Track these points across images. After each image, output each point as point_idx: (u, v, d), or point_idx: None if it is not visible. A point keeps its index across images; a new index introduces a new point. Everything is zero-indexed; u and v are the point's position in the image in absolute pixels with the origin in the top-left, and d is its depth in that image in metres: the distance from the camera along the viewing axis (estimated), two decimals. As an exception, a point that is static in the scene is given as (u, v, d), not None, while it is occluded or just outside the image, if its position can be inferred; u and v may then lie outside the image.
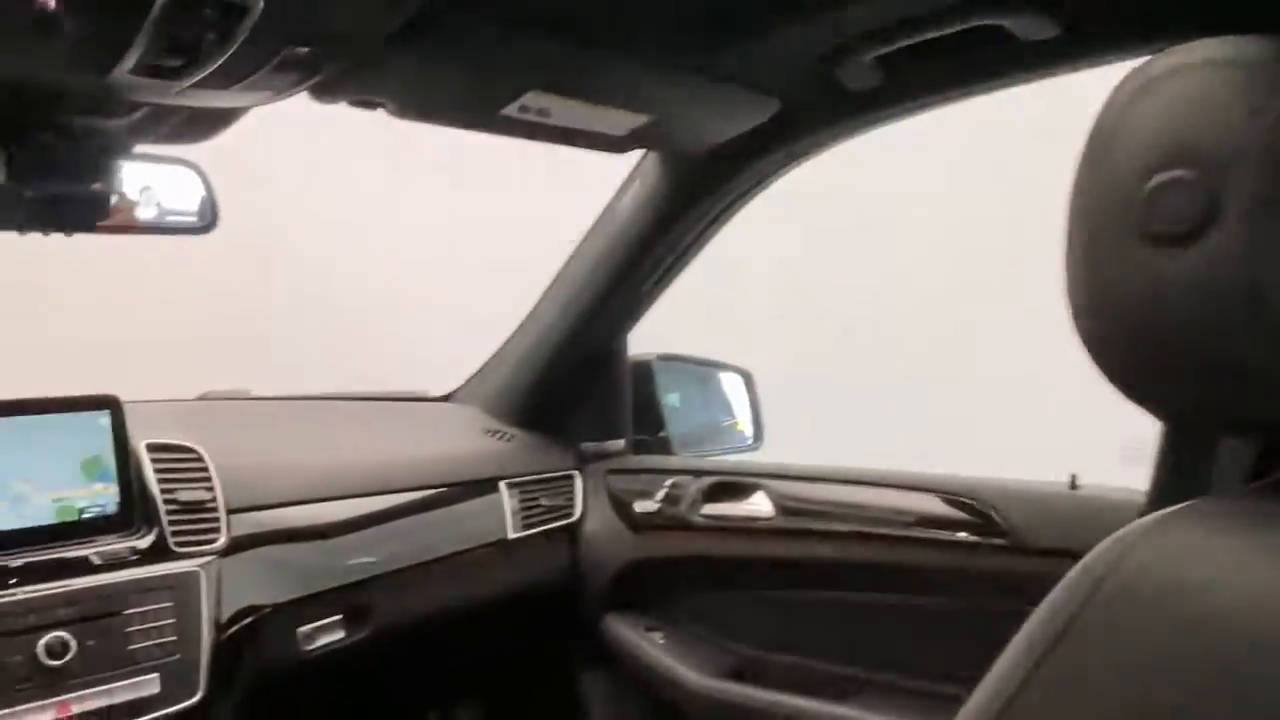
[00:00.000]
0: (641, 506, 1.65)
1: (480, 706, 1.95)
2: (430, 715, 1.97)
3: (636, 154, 1.45)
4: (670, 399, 1.90)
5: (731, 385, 2.03)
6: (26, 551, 1.07)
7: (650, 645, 1.61)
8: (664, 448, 1.82)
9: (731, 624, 1.61)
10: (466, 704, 1.95)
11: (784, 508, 1.49)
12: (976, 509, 1.34)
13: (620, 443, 1.77)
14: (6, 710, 0.99)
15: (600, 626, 1.68)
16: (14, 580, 1.05)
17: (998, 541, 1.30)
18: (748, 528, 1.53)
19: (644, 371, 1.83)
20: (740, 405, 2.02)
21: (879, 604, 1.44)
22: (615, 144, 1.28)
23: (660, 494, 1.63)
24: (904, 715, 1.35)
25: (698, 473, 1.62)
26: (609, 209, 1.56)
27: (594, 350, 1.70)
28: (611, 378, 1.76)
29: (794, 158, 1.42)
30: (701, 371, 2.02)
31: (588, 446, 1.77)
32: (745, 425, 2.00)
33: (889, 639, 1.46)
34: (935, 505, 1.38)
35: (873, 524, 1.42)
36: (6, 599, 1.03)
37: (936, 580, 1.38)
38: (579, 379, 1.73)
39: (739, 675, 1.55)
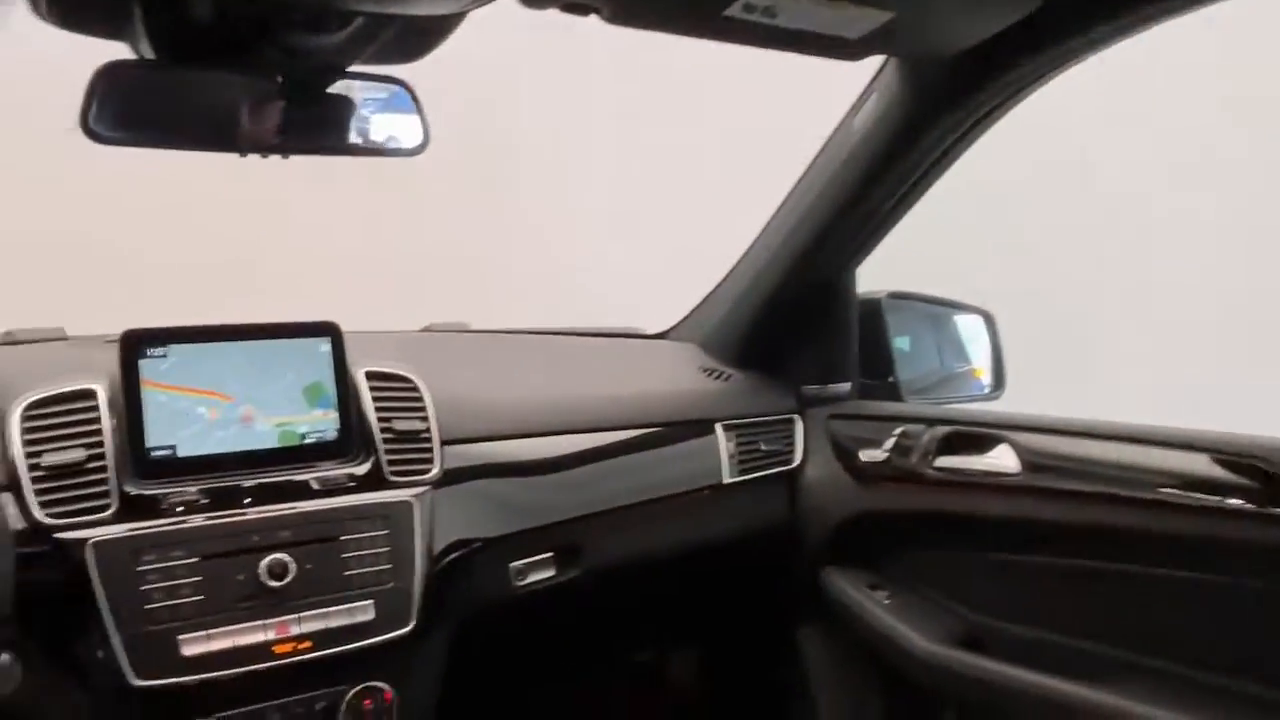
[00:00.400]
0: (867, 455, 1.53)
1: (690, 652, 1.91)
2: (638, 658, 1.95)
3: (872, 63, 1.30)
4: (900, 341, 1.75)
5: (969, 327, 1.86)
6: (253, 473, 1.09)
7: (873, 604, 1.49)
8: (892, 394, 1.68)
9: (964, 588, 1.47)
10: (676, 649, 1.91)
11: (1031, 463, 1.33)
12: (1262, 472, 1.13)
13: (845, 386, 1.64)
14: (231, 627, 1.01)
15: (819, 580, 1.59)
16: (245, 500, 1.07)
17: None
18: (988, 483, 1.37)
19: (873, 310, 1.69)
20: (979, 349, 1.84)
21: (1138, 576, 1.26)
22: (850, 49, 1.14)
23: (888, 442, 1.50)
24: (1162, 705, 1.18)
25: (931, 421, 1.47)
26: (841, 128, 1.42)
27: (819, 286, 1.58)
28: (837, 316, 1.63)
29: (1054, 64, 1.23)
30: (936, 312, 1.86)
31: (809, 389, 1.65)
32: (984, 371, 1.83)
33: (1147, 617, 1.28)
34: (1209, 467, 1.18)
35: (1134, 486, 1.23)
36: (236, 518, 1.05)
37: (1209, 553, 1.19)
38: (802, 317, 1.62)
39: (971, 644, 1.42)
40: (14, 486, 0.97)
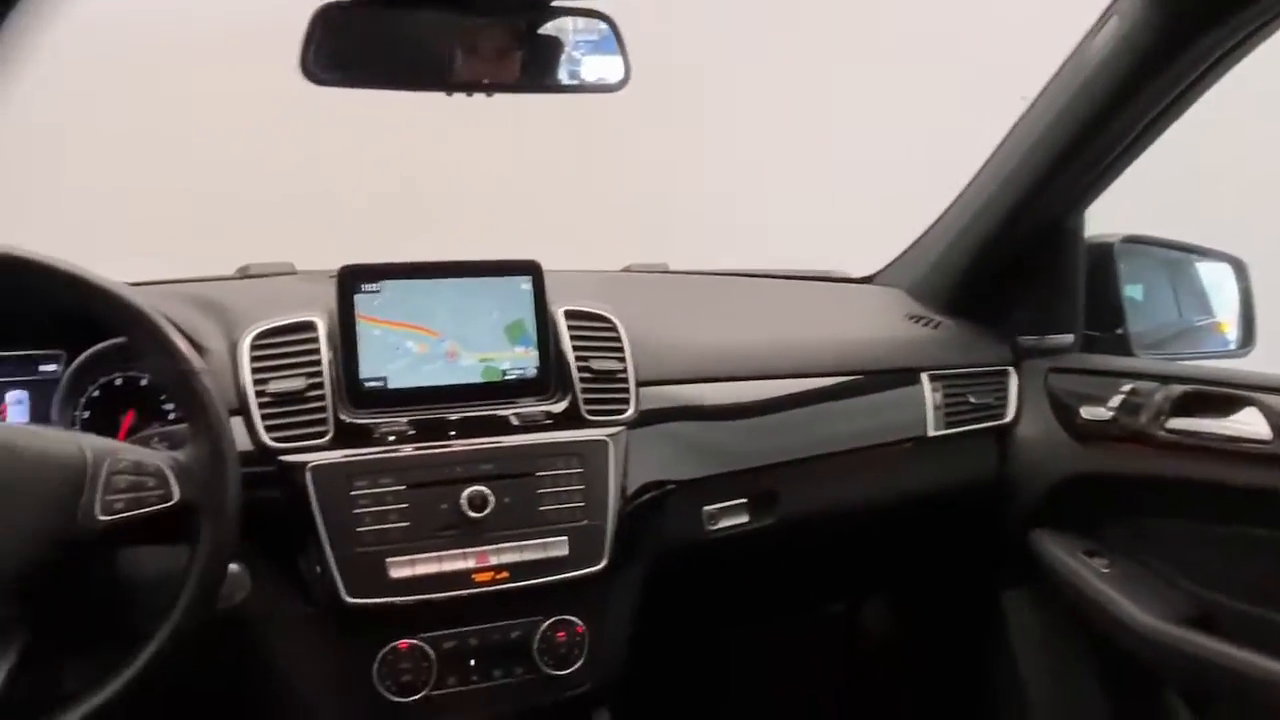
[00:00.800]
0: (1090, 413, 1.41)
1: (885, 608, 1.85)
2: (830, 609, 1.92)
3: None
4: (1132, 290, 1.60)
5: (1214, 276, 1.68)
6: (457, 407, 1.12)
7: (1089, 572, 1.39)
8: (1120, 347, 1.54)
9: (1194, 561, 1.34)
10: (870, 604, 1.87)
11: (1285, 430, 1.19)
12: None
13: (1068, 338, 1.52)
14: (434, 553, 1.05)
15: (1028, 542, 1.49)
16: (450, 433, 1.10)
17: None
18: (1231, 450, 1.24)
19: (1103, 256, 1.54)
20: (1224, 301, 1.66)
21: None
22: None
23: (1115, 400, 1.38)
24: None
25: (1166, 378, 1.34)
26: (1075, 54, 1.29)
27: (1043, 229, 1.46)
28: (1062, 262, 1.50)
29: None
30: (1176, 258, 1.69)
31: (1026, 340, 1.54)
32: (1230, 325, 1.65)
33: None
34: None
35: None
36: (441, 450, 1.09)
37: None
38: (1022, 262, 1.50)
39: (1201, 623, 1.30)
40: (243, 411, 1.04)
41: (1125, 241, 1.56)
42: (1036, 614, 1.54)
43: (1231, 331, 1.65)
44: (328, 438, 1.06)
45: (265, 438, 1.04)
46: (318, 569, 1.02)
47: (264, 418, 1.04)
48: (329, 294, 1.11)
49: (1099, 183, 1.39)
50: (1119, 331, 1.55)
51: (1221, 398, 1.27)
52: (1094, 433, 1.41)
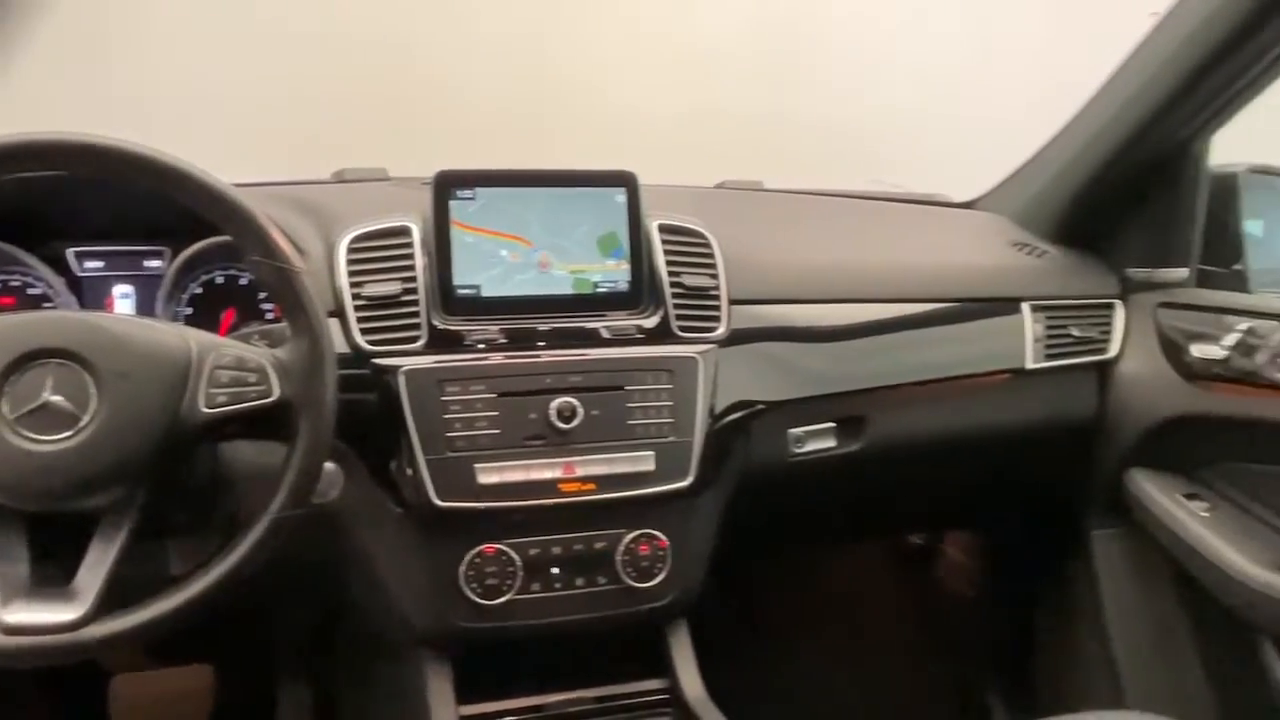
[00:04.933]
0: (1200, 351, 1.35)
1: (968, 541, 1.83)
2: (913, 540, 1.90)
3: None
4: (1253, 225, 1.51)
5: (1348, 211, 1.58)
6: (548, 318, 1.12)
7: (1188, 515, 1.35)
8: (1238, 284, 1.46)
9: None
10: (955, 536, 1.84)
11: None
12: None
13: (1181, 272, 1.45)
14: (522, 461, 1.06)
15: (1124, 482, 1.45)
16: (540, 343, 1.10)
17: None
18: None
19: (1226, 187, 1.46)
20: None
21: None
22: None
23: (1229, 339, 1.32)
24: None
25: None
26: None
27: (1164, 155, 1.38)
28: (1180, 191, 1.42)
29: None
30: (1306, 192, 1.59)
31: (1136, 273, 1.47)
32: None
33: None
34: None
35: None
36: (531, 359, 1.09)
37: None
38: (1137, 190, 1.43)
39: None
40: (340, 313, 1.06)
41: (1254, 171, 1.47)
42: (1128, 555, 1.50)
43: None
44: (421, 343, 1.06)
45: (360, 340, 1.05)
46: (409, 471, 1.04)
47: (359, 320, 1.06)
48: (424, 200, 1.11)
49: (1229, 107, 1.30)
50: (1237, 267, 1.47)
51: None
52: (1203, 372, 1.35)
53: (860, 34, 2.58)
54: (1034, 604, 1.69)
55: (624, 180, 1.15)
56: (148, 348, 0.85)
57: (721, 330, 1.17)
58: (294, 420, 0.90)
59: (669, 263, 1.17)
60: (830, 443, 1.30)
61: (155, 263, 1.16)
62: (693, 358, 1.14)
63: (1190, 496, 1.38)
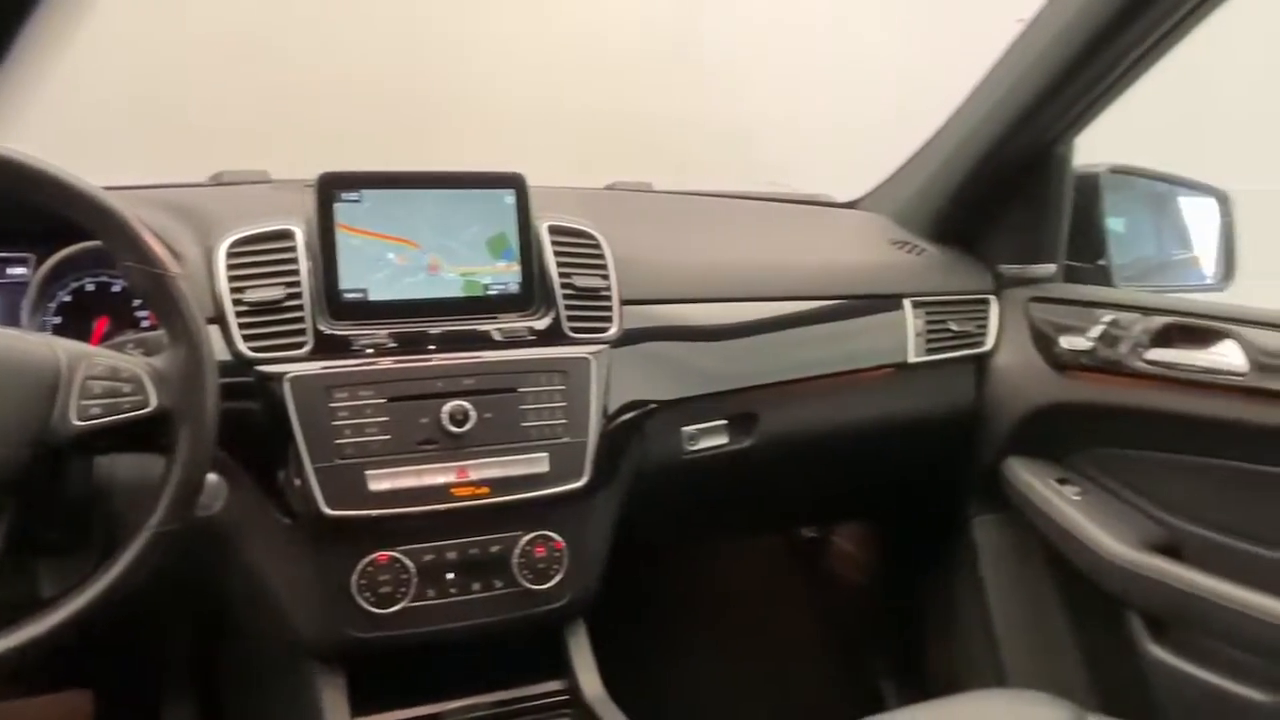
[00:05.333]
0: (1069, 342, 1.42)
1: (858, 531, 1.88)
2: (805, 533, 1.94)
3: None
4: (1114, 222, 1.60)
5: (1197, 209, 1.68)
6: (438, 321, 1.11)
7: (1060, 499, 1.42)
8: (1102, 278, 1.54)
9: (1167, 492, 1.36)
10: (844, 527, 1.89)
11: (1262, 363, 1.20)
12: None
13: (1050, 268, 1.52)
14: (415, 467, 1.05)
15: (1001, 469, 1.51)
16: (431, 346, 1.09)
17: None
18: (1208, 382, 1.25)
19: (1089, 186, 1.54)
20: (1205, 234, 1.67)
21: None
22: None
23: (1095, 330, 1.39)
24: None
25: (1147, 309, 1.35)
26: (1075, -24, 1.27)
27: (1032, 156, 1.45)
28: (1047, 191, 1.49)
29: None
30: (1160, 190, 1.69)
31: (1008, 269, 1.54)
32: (1207, 259, 1.66)
33: None
34: None
35: None
36: (421, 363, 1.08)
37: None
38: (1008, 190, 1.49)
39: (1170, 552, 1.32)
40: (220, 319, 1.02)
41: (1113, 172, 1.56)
42: (1007, 540, 1.56)
43: (1208, 265, 1.66)
44: (307, 348, 1.04)
45: (243, 347, 1.02)
46: (296, 481, 1.02)
47: (241, 327, 1.02)
48: (306, 203, 1.08)
49: (1091, 110, 1.37)
50: (1101, 263, 1.55)
51: (1200, 330, 1.28)
52: (1072, 362, 1.42)
53: (747, 37, 2.63)
54: (921, 590, 1.75)
55: (513, 182, 1.15)
56: (11, 359, 0.81)
57: (613, 331, 1.18)
58: (173, 431, 0.87)
59: (559, 264, 1.17)
60: (723, 440, 1.32)
61: (19, 270, 1.10)
62: (585, 358, 1.14)
63: (1062, 482, 1.45)
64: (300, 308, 1.05)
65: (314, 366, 1.03)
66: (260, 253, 1.06)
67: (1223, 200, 1.63)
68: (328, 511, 1.01)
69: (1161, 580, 1.27)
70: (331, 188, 1.07)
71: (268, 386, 1.01)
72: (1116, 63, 1.29)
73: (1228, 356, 1.24)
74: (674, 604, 1.85)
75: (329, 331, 1.05)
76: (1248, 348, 1.22)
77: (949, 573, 1.65)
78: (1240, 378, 1.22)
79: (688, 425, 1.28)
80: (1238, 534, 1.28)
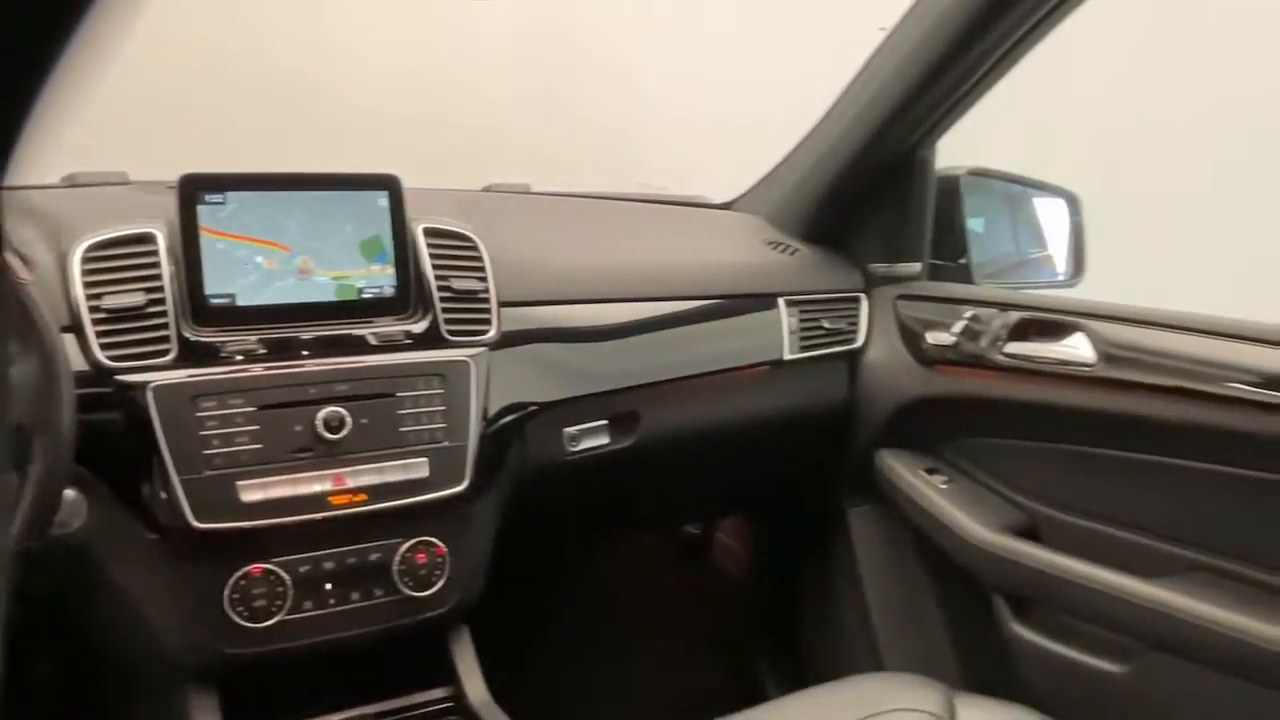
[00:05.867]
0: (934, 338, 1.48)
1: (739, 526, 1.92)
2: (688, 530, 1.97)
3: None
4: (974, 222, 1.68)
5: (1049, 210, 1.78)
6: (311, 326, 1.08)
7: (928, 488, 1.48)
8: (964, 276, 1.62)
9: (1026, 478, 1.44)
10: (726, 522, 1.93)
11: (1108, 354, 1.28)
12: None
13: (915, 266, 1.58)
14: (288, 476, 1.02)
15: (874, 461, 1.57)
16: (304, 352, 1.07)
17: None
18: (1060, 373, 1.33)
19: (950, 188, 1.61)
20: (1057, 233, 1.76)
21: (1209, 474, 1.22)
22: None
23: (957, 326, 1.45)
24: (1233, 608, 1.16)
25: (1004, 305, 1.42)
26: (931, -11, 1.32)
27: (896, 159, 1.51)
28: (912, 193, 1.56)
29: None
30: (1015, 192, 1.78)
31: (877, 268, 1.60)
32: (1059, 257, 1.76)
33: (1214, 516, 1.24)
34: None
35: (1214, 381, 1.18)
36: (293, 369, 1.05)
37: None
38: (875, 192, 1.55)
39: (1029, 534, 1.40)
40: (76, 328, 0.98)
41: (972, 174, 1.63)
42: (881, 529, 1.62)
43: (1060, 263, 1.75)
44: (170, 356, 1.00)
45: (101, 356, 0.98)
46: (162, 494, 0.98)
47: (99, 335, 0.98)
48: (168, 205, 1.04)
49: (951, 115, 1.44)
50: (962, 261, 1.62)
51: (1053, 324, 1.36)
52: (937, 357, 1.49)
53: (624, 39, 2.64)
54: (800, 581, 1.79)
55: (386, 183, 1.13)
56: None
57: (492, 333, 1.17)
58: (26, 446, 0.83)
59: (436, 267, 1.15)
60: (604, 440, 1.33)
61: None
62: (464, 362, 1.13)
63: (930, 471, 1.51)
64: (163, 314, 1.01)
65: (179, 375, 1.00)
66: (119, 257, 1.01)
67: (1072, 201, 1.73)
68: (196, 524, 0.98)
69: (1021, 561, 1.34)
70: (194, 189, 1.04)
71: (129, 397, 0.97)
72: (973, 70, 1.35)
73: (1078, 349, 1.31)
74: (559, 605, 1.85)
75: (194, 338, 1.02)
76: (1095, 340, 1.30)
77: (826, 563, 1.70)
78: (1089, 368, 1.29)
79: (569, 426, 1.29)
80: (1090, 515, 1.36)
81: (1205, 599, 1.18)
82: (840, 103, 1.51)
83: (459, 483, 1.11)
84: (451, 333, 1.14)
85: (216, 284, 1.04)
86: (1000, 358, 1.39)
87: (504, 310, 1.19)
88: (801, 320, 1.50)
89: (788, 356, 1.48)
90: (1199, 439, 1.21)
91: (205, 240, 1.04)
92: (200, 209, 1.03)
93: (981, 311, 1.44)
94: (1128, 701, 1.27)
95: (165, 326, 1.00)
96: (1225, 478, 1.21)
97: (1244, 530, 1.22)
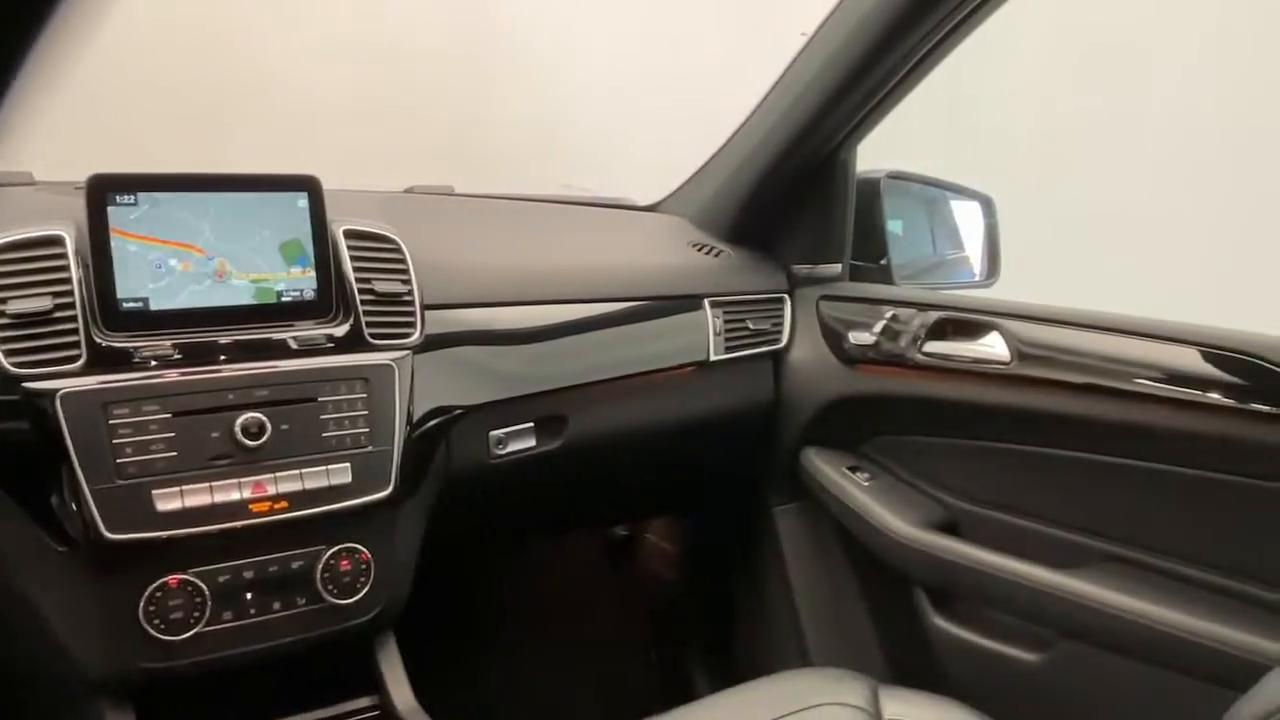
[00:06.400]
0: (856, 338, 1.51)
1: (668, 527, 1.93)
2: (617, 531, 1.97)
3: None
4: (893, 224, 1.71)
5: (966, 212, 1.82)
6: (228, 330, 1.06)
7: (853, 486, 1.50)
8: (884, 277, 1.65)
9: (945, 474, 1.48)
10: (654, 524, 1.93)
11: (1022, 353, 1.32)
12: (1245, 368, 1.13)
13: (836, 267, 1.61)
14: (206, 484, 1.00)
15: (799, 460, 1.59)
16: (220, 356, 1.04)
17: None
18: (977, 371, 1.36)
19: (870, 191, 1.64)
20: (974, 235, 1.81)
21: (1119, 468, 1.27)
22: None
23: (878, 326, 1.48)
24: (1141, 596, 1.20)
25: (923, 305, 1.45)
26: (849, -5, 1.35)
27: (817, 162, 1.53)
28: (833, 195, 1.58)
29: None
30: (933, 194, 1.82)
31: (799, 269, 1.62)
32: (976, 258, 1.80)
33: (1125, 508, 1.29)
34: (1196, 361, 1.17)
35: (1121, 377, 1.22)
36: (210, 374, 1.03)
37: (1190, 447, 1.19)
38: (797, 194, 1.57)
39: (949, 529, 1.43)
40: None
41: (891, 177, 1.66)
42: (807, 527, 1.64)
43: (977, 264, 1.80)
44: (80, 363, 0.97)
45: (6, 363, 0.94)
46: (73, 505, 0.95)
47: (4, 341, 0.94)
48: (77, 206, 1.01)
49: (870, 119, 1.46)
50: (883, 262, 1.65)
51: (969, 323, 1.39)
52: (859, 356, 1.51)
53: (552, 42, 2.64)
54: (729, 580, 1.81)
55: (305, 184, 1.11)
56: None
57: (416, 336, 1.16)
58: None
59: (357, 269, 1.14)
60: (531, 443, 1.32)
61: None
62: (388, 365, 1.12)
63: (853, 469, 1.54)
64: (72, 319, 0.97)
65: (89, 381, 0.96)
66: (24, 260, 0.98)
67: (986, 204, 1.77)
68: (109, 535, 0.95)
69: (941, 556, 1.37)
70: (104, 190, 1.00)
71: (36, 404, 0.94)
72: (891, 74, 1.37)
73: (993, 347, 1.35)
74: (487, 609, 1.84)
75: (105, 344, 0.99)
76: (1010, 339, 1.33)
77: (754, 562, 1.71)
78: (1004, 366, 1.33)
79: (495, 429, 1.28)
80: (1007, 509, 1.40)
81: (1116, 588, 1.22)
82: (762, 106, 1.53)
83: (383, 488, 1.09)
84: (374, 336, 1.13)
85: (128, 287, 1.01)
86: (919, 357, 1.43)
87: (428, 313, 1.18)
88: (726, 321, 1.52)
89: (713, 357, 1.49)
90: (1109, 434, 1.26)
91: (116, 242, 1.01)
92: (111, 210, 1.00)
93: (901, 311, 1.47)
94: (1045, 689, 1.31)
95: (74, 332, 0.97)
96: (1134, 471, 1.25)
97: (1153, 521, 1.27)
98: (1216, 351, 1.16)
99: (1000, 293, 1.69)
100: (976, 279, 1.78)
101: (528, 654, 1.87)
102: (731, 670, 1.79)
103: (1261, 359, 1.11)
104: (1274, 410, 1.10)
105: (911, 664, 1.50)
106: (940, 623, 1.42)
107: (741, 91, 1.58)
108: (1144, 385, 1.20)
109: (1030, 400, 1.31)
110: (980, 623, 1.39)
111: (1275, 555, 1.17)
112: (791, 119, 1.46)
